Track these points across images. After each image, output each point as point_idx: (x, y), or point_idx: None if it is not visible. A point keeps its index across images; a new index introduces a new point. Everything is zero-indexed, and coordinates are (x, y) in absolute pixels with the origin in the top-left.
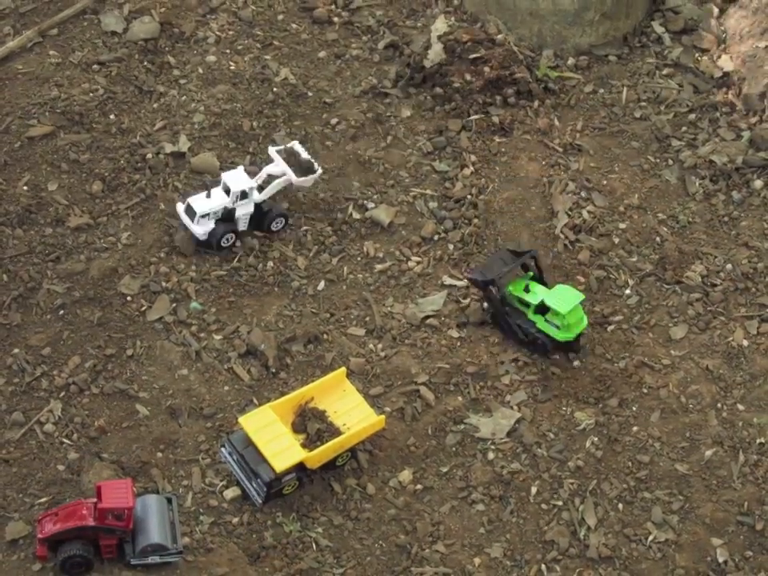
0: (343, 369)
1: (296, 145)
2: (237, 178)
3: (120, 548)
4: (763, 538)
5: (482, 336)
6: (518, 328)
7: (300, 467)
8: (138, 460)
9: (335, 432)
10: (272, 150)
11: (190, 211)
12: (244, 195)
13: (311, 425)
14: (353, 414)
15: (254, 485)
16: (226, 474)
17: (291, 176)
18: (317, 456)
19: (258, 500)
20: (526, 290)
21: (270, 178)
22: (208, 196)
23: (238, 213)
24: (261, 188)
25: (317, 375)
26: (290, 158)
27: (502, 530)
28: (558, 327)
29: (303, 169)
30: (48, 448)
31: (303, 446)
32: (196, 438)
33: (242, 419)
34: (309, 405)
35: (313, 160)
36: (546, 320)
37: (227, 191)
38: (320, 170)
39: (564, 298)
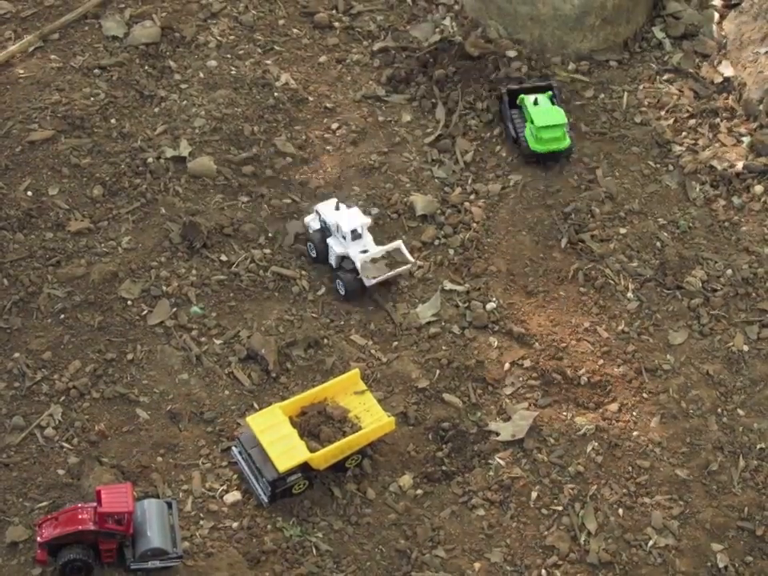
0: (357, 370)
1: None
2: (352, 218)
3: (120, 552)
4: (763, 543)
5: (483, 340)
6: (512, 126)
7: (307, 468)
8: (138, 464)
9: (344, 433)
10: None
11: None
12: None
13: (319, 426)
14: (364, 415)
15: (260, 484)
16: (225, 478)
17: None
18: (322, 457)
19: (264, 499)
20: (535, 102)
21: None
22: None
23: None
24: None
25: (317, 380)
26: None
27: (502, 535)
28: (533, 137)
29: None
30: (48, 452)
31: (313, 446)
32: (196, 442)
33: (249, 418)
34: (319, 405)
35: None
36: (529, 128)
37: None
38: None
39: (548, 115)
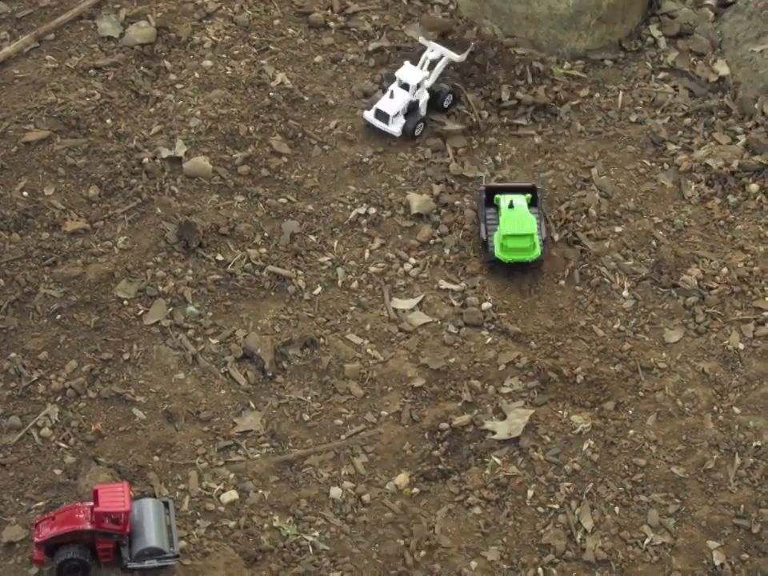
0: None
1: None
2: (410, 72)
3: (117, 552)
4: (759, 541)
5: (479, 339)
6: (484, 228)
7: None
8: (134, 464)
9: None
10: (422, 39)
11: (382, 115)
12: (419, 85)
13: None
14: None
15: None
16: (222, 477)
17: (452, 55)
18: None
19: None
20: (510, 205)
21: (432, 62)
22: (391, 96)
23: (419, 102)
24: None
25: (314, 379)
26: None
27: (498, 534)
28: (499, 244)
29: (458, 47)
30: (45, 452)
31: None
32: (193, 441)
33: None
34: None
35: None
36: (497, 234)
37: (405, 86)
38: (473, 44)
39: (517, 223)
